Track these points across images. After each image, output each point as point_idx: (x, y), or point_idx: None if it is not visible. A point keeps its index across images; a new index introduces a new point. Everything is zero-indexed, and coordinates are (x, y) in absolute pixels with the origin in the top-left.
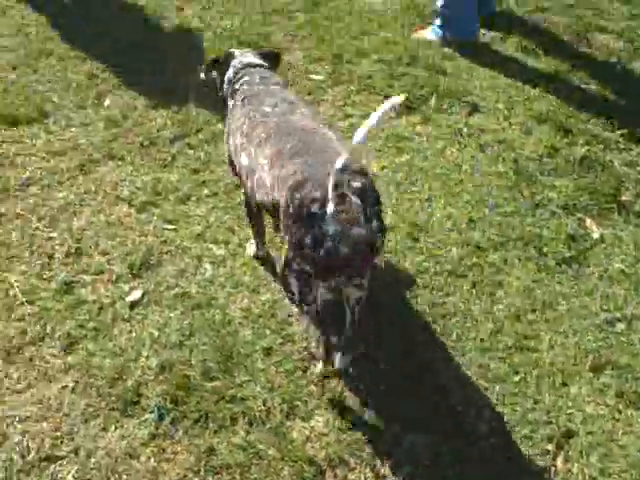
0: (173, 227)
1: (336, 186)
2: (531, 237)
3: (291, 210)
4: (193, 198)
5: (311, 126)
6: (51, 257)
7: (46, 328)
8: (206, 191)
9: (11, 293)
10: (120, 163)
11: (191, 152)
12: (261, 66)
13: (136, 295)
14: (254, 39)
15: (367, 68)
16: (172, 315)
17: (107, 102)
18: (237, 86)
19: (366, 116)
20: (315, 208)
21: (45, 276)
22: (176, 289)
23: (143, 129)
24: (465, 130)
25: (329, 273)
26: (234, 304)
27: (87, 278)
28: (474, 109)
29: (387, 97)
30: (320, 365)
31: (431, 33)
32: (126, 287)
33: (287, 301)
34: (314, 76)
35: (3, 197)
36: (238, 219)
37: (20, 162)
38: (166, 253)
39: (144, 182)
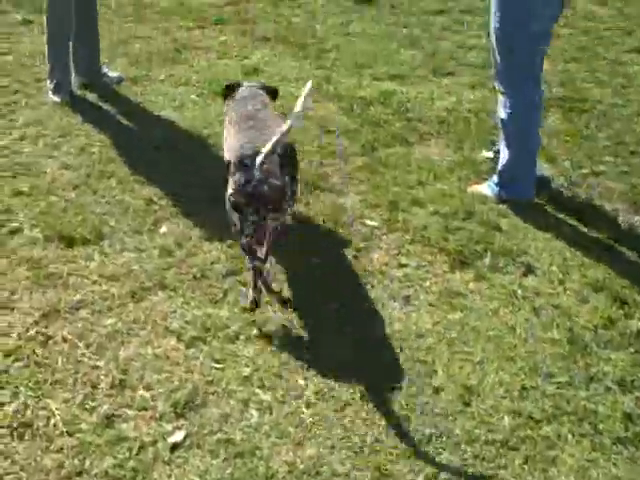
0: (220, 366)
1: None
2: (586, 412)
3: (234, 162)
4: (242, 337)
5: (267, 116)
6: (95, 387)
7: (84, 463)
8: (255, 331)
9: (52, 422)
10: (172, 294)
11: (243, 289)
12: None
13: (178, 437)
14: (310, 179)
15: (423, 219)
16: (214, 462)
17: (163, 229)
18: (234, 96)
19: (421, 267)
20: (247, 162)
21: (87, 406)
22: (219, 434)
23: (196, 261)
24: (519, 292)
25: (254, 202)
26: (278, 456)
27: (130, 413)
28: (529, 270)
29: (442, 250)
30: (251, 292)
31: (487, 188)
32: (169, 427)
33: (333, 457)
34: (369, 222)
35: (52, 319)
36: (286, 364)
37: (72, 283)
38: (212, 394)
39: (194, 316)
